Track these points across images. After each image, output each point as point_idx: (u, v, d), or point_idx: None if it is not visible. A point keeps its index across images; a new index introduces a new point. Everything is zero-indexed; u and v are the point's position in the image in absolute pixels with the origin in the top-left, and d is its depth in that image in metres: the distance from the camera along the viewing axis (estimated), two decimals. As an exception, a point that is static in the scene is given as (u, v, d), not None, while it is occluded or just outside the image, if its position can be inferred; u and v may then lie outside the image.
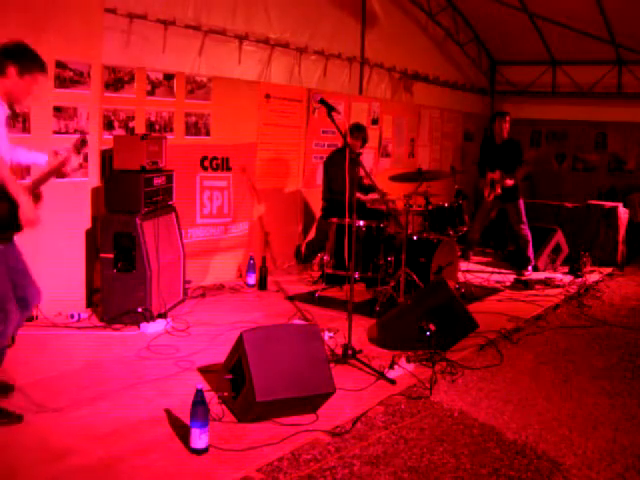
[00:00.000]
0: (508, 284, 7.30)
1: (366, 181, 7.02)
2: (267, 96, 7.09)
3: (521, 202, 7.78)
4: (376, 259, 6.15)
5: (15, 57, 3.47)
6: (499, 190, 7.64)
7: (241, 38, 6.79)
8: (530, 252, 7.81)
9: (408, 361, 4.60)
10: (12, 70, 3.46)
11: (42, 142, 5.08)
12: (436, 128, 10.40)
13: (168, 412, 3.69)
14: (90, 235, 5.47)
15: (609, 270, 8.21)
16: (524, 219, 7.78)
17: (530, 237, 7.79)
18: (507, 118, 7.71)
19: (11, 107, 3.72)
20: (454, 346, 4.96)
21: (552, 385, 4.48)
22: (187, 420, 3.29)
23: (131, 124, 5.76)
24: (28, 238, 4.95)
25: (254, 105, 6.96)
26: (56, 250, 5.22)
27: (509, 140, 7.75)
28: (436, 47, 10.15)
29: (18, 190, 3.43)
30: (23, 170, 4.61)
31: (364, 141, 6.98)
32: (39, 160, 3.90)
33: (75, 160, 4.08)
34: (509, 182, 7.58)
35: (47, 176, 3.76)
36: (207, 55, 6.45)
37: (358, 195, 6.65)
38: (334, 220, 6.25)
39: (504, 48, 11.11)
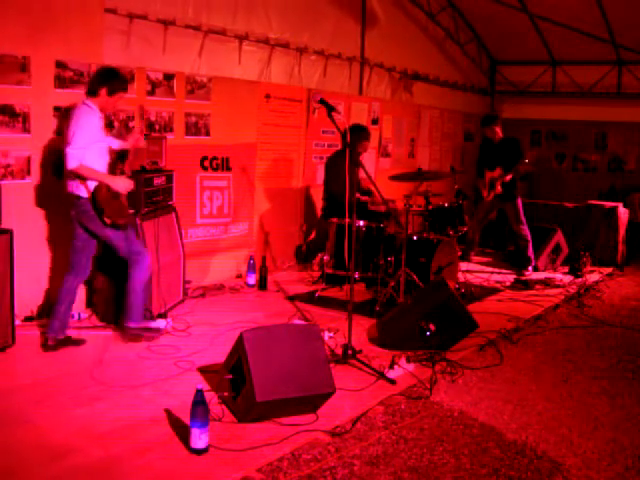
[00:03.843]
0: (508, 284, 7.30)
1: (364, 184, 6.98)
2: (267, 96, 7.09)
3: (519, 201, 7.79)
4: (376, 259, 6.15)
5: (106, 80, 4.51)
6: (500, 188, 7.64)
7: (241, 38, 6.79)
8: (530, 252, 7.81)
9: (408, 361, 4.60)
10: (103, 91, 4.50)
11: (42, 142, 5.09)
12: (436, 128, 10.40)
13: (168, 412, 3.69)
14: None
15: (609, 270, 8.21)
16: (523, 219, 7.79)
17: (530, 237, 7.79)
18: (494, 127, 7.68)
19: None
20: (454, 346, 4.97)
21: (552, 385, 4.48)
22: (187, 420, 3.29)
23: (131, 124, 5.75)
24: (28, 238, 4.98)
25: (254, 105, 6.96)
26: (56, 250, 5.22)
27: (506, 138, 7.77)
28: (436, 47, 10.15)
29: (103, 177, 4.47)
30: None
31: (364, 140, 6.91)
32: (114, 144, 4.80)
33: (143, 142, 5.04)
34: (508, 177, 7.58)
35: (131, 155, 4.86)
36: (207, 55, 6.45)
37: (358, 195, 6.64)
38: (334, 220, 6.25)
39: (504, 48, 11.11)
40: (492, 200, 7.83)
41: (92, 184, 4.45)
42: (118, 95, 4.59)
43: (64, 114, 4.66)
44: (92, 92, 4.53)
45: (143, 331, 4.80)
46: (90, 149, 4.39)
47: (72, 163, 4.33)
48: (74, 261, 4.70)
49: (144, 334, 4.81)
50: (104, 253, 5.02)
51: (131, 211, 4.72)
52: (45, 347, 4.60)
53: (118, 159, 4.79)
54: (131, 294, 4.72)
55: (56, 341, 4.61)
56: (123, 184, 4.58)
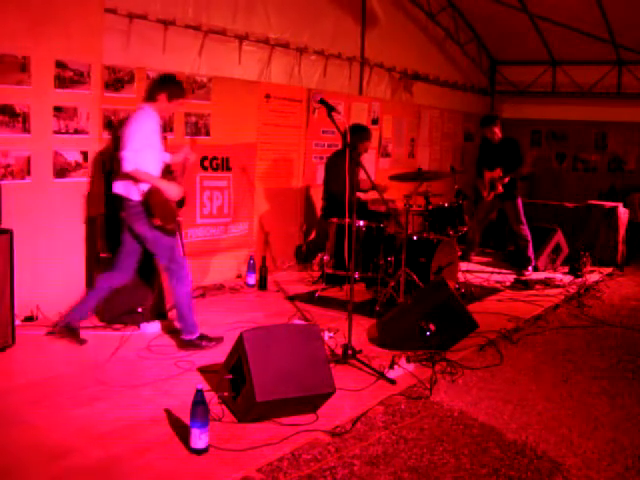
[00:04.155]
0: (508, 284, 7.30)
1: (364, 185, 6.98)
2: (267, 96, 7.09)
3: (519, 201, 7.79)
4: (376, 259, 6.15)
5: (166, 86, 4.59)
6: (500, 188, 7.65)
7: (241, 38, 6.79)
8: (530, 252, 7.81)
9: (408, 361, 4.60)
10: (163, 97, 4.57)
11: (42, 142, 5.09)
12: (436, 128, 10.40)
13: (168, 412, 3.69)
14: (90, 235, 5.47)
15: (609, 270, 8.21)
16: (523, 219, 7.79)
17: (530, 237, 7.80)
18: (493, 128, 7.68)
19: None
20: (454, 346, 4.97)
21: (552, 385, 4.48)
22: (187, 420, 3.29)
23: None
24: (28, 238, 4.98)
25: (254, 105, 6.96)
26: (56, 250, 5.23)
27: (506, 139, 7.78)
28: (436, 47, 10.14)
29: (158, 182, 4.53)
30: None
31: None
32: (166, 158, 4.82)
33: (193, 156, 5.10)
34: (507, 179, 7.58)
35: (182, 168, 4.96)
36: (207, 55, 6.45)
37: (358, 194, 6.64)
38: (334, 220, 6.25)
39: (504, 48, 11.11)
40: (492, 200, 7.84)
41: (145, 187, 4.48)
42: (177, 101, 4.66)
43: (122, 122, 4.73)
44: (151, 97, 4.59)
45: (201, 340, 4.75)
46: (146, 153, 4.45)
47: (128, 166, 4.37)
48: (118, 262, 4.77)
49: (202, 343, 4.74)
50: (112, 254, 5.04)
51: (179, 219, 4.74)
52: (50, 332, 4.67)
53: (167, 172, 4.83)
54: (179, 308, 4.71)
55: (65, 326, 4.66)
56: (175, 190, 4.62)
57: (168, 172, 4.79)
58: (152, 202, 4.47)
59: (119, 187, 4.59)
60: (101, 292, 4.81)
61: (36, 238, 5.10)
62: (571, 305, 6.63)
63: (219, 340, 4.77)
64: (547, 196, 10.35)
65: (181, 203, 4.76)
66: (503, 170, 7.57)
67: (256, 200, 7.13)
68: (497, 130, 7.70)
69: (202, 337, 4.75)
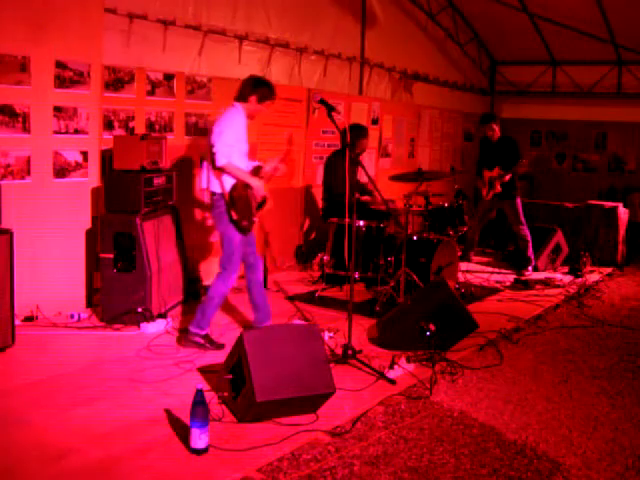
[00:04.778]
0: (508, 284, 7.30)
1: (367, 185, 6.98)
2: (267, 96, 7.07)
3: (518, 201, 7.79)
4: (376, 259, 6.15)
5: (258, 88, 4.72)
6: (499, 187, 7.65)
7: (241, 38, 6.79)
8: (530, 252, 7.81)
9: (408, 361, 4.59)
10: (254, 98, 4.71)
11: (42, 142, 5.09)
12: (436, 128, 10.41)
13: (168, 412, 3.69)
14: (90, 235, 5.47)
15: (609, 270, 8.21)
16: (522, 219, 7.79)
17: (530, 237, 7.79)
18: (492, 125, 7.70)
19: None
20: (454, 346, 4.97)
21: (552, 385, 4.48)
22: (187, 420, 3.28)
23: (131, 124, 5.76)
24: (28, 238, 4.98)
25: (254, 105, 6.95)
26: (56, 250, 5.23)
27: (504, 138, 7.79)
28: (436, 47, 10.15)
29: (247, 177, 4.67)
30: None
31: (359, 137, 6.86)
32: (248, 167, 4.87)
33: (283, 167, 5.07)
34: (507, 177, 7.59)
35: (269, 176, 4.93)
36: (207, 55, 6.45)
37: (358, 195, 6.63)
38: (334, 220, 6.25)
39: (504, 48, 11.12)
40: (491, 199, 7.84)
41: (228, 181, 4.60)
42: (267, 103, 4.79)
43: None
44: (242, 97, 4.74)
45: (203, 339, 4.73)
46: (235, 149, 4.60)
47: (221, 160, 4.51)
48: (244, 258, 4.86)
49: (203, 342, 4.72)
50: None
51: (255, 220, 4.80)
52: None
53: (255, 173, 4.88)
54: (207, 301, 4.74)
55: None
56: (261, 188, 4.74)
57: (255, 173, 4.85)
58: (234, 195, 4.60)
59: (214, 185, 4.70)
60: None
61: (36, 238, 5.10)
62: (571, 305, 6.62)
63: (220, 347, 4.74)
64: (547, 196, 10.35)
65: (262, 204, 4.85)
66: (501, 168, 7.57)
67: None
68: (496, 128, 7.71)
69: (206, 337, 4.76)
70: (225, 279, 4.74)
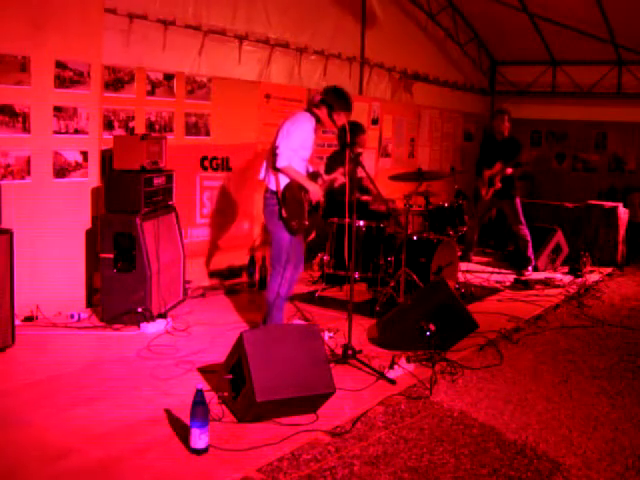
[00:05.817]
0: (508, 284, 7.30)
1: (365, 183, 6.98)
2: (267, 96, 7.09)
3: (518, 201, 7.79)
4: (376, 259, 6.15)
5: (334, 99, 4.78)
6: (499, 184, 7.65)
7: (241, 38, 6.79)
8: (530, 252, 7.81)
9: (408, 361, 4.59)
10: (325, 109, 4.76)
11: (42, 142, 5.09)
12: (436, 128, 10.40)
13: (168, 412, 3.69)
14: (90, 235, 5.47)
15: (609, 270, 8.21)
16: (522, 219, 7.79)
17: (529, 237, 7.79)
18: (506, 117, 7.73)
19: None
20: (454, 346, 4.97)
21: (552, 385, 4.48)
22: (187, 420, 3.28)
23: (131, 124, 5.76)
24: (28, 238, 4.98)
25: (254, 105, 6.96)
26: (56, 250, 5.23)
27: (510, 138, 7.79)
28: (436, 47, 10.14)
29: (305, 181, 4.74)
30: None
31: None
32: (311, 169, 5.00)
33: (342, 180, 5.06)
34: (509, 170, 7.59)
35: (326, 185, 5.03)
36: (207, 55, 6.45)
37: (357, 195, 6.63)
38: (334, 220, 6.25)
39: (504, 48, 11.11)
40: (490, 199, 7.84)
41: (283, 180, 4.63)
42: (338, 115, 4.82)
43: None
44: (317, 104, 4.80)
45: None
46: (298, 154, 4.66)
47: (282, 162, 4.57)
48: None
49: None
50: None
51: (306, 223, 4.80)
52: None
53: (312, 178, 4.95)
54: (266, 304, 4.82)
55: None
56: (318, 192, 4.80)
57: (312, 179, 4.90)
58: (287, 194, 4.62)
59: (270, 182, 4.72)
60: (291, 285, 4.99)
61: (36, 238, 5.10)
62: (571, 305, 6.62)
63: None
64: (547, 196, 10.35)
65: (316, 208, 4.92)
66: (503, 163, 7.57)
67: (256, 200, 7.12)
68: (507, 125, 7.71)
69: None
70: (275, 277, 4.78)
